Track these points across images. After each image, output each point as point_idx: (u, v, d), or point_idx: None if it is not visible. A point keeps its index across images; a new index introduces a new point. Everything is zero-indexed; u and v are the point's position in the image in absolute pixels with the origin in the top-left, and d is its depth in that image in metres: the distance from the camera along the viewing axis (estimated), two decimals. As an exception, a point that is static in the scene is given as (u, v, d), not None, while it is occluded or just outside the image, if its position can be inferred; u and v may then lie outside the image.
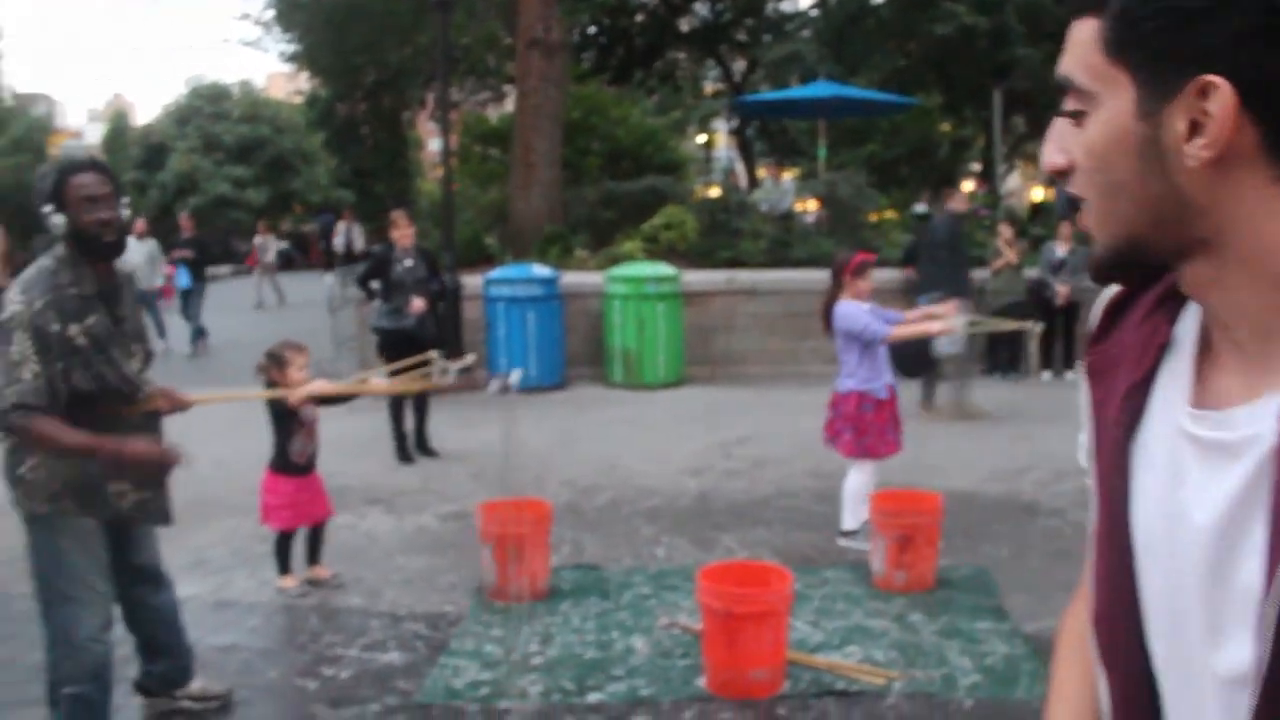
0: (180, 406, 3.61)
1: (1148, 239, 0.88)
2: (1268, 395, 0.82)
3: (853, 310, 5.60)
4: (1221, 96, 0.79)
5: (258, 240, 22.84)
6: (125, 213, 3.45)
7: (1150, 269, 0.92)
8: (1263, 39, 0.78)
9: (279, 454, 5.13)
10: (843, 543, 5.75)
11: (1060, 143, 0.93)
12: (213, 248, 14.48)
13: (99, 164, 3.47)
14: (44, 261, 3.30)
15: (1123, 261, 0.91)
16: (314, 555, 5.32)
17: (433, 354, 4.72)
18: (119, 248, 3.39)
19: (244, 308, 19.86)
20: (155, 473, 3.44)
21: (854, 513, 5.72)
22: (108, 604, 3.52)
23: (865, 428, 5.64)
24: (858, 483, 5.70)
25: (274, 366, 5.04)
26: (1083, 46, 0.89)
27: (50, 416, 3.17)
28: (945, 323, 5.76)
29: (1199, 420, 0.88)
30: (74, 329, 3.22)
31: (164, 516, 3.63)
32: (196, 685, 3.98)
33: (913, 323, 5.86)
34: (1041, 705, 3.46)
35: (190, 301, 14.62)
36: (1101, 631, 0.98)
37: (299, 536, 5.27)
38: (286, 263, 34.25)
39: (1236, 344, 0.87)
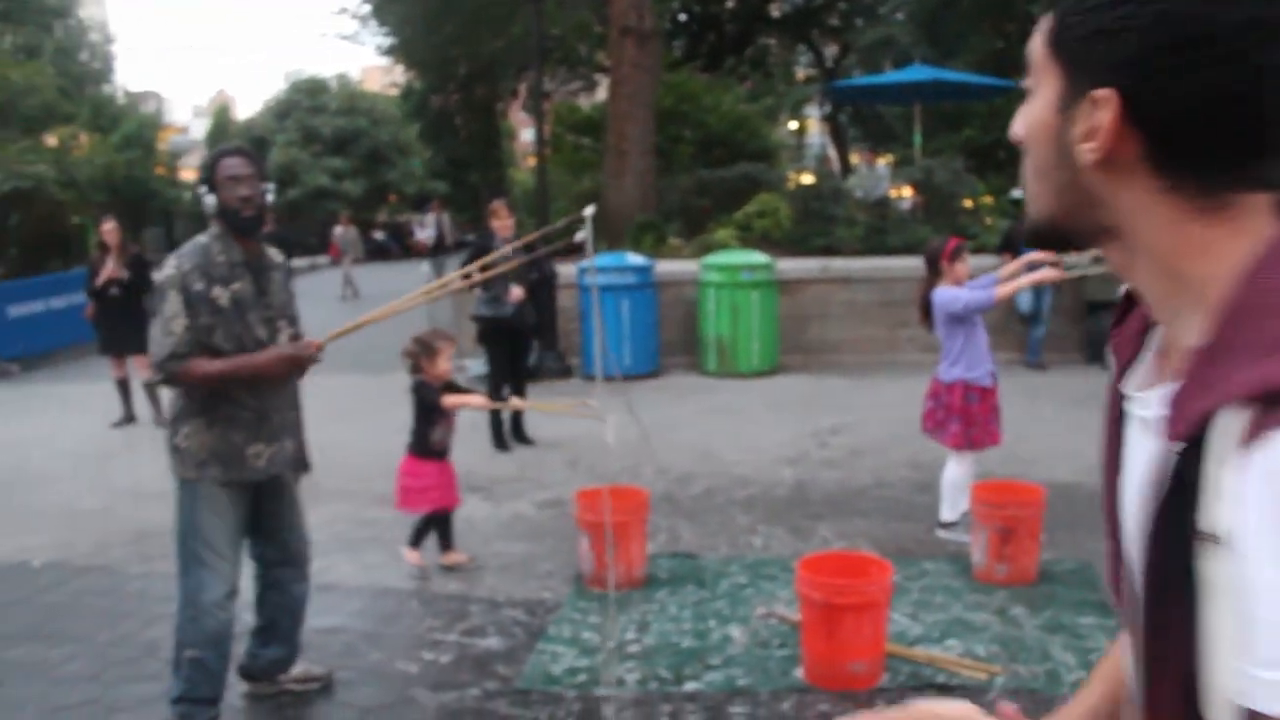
0: (309, 359, 3.73)
1: (1063, 221, 0.99)
2: (1171, 378, 0.92)
3: (950, 293, 5.50)
4: (1108, 109, 0.89)
5: (338, 231, 23.03)
6: (269, 195, 3.75)
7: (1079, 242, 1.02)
8: (1154, 65, 0.87)
9: (419, 440, 5.26)
10: (942, 534, 5.67)
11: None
12: (291, 240, 14.49)
13: (245, 150, 3.80)
14: (199, 237, 3.67)
15: (1045, 237, 1.02)
16: (447, 542, 5.43)
17: (592, 403, 4.58)
18: (258, 223, 3.69)
19: (328, 299, 20.02)
20: (296, 370, 3.69)
21: (953, 504, 5.63)
22: (235, 574, 3.73)
23: (972, 418, 5.55)
24: (957, 474, 5.62)
25: (423, 354, 5.15)
26: (1041, 33, 0.98)
27: (199, 358, 3.53)
28: (1042, 271, 5.50)
29: (1135, 401, 1.00)
30: (218, 290, 3.56)
31: (302, 464, 3.93)
32: (299, 669, 4.10)
33: (1010, 279, 5.59)
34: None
35: None
36: (1115, 592, 1.05)
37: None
38: (382, 252, 34.95)
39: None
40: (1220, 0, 0.86)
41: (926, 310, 5.69)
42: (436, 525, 5.39)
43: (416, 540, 5.36)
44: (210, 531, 3.65)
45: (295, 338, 3.81)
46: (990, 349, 5.73)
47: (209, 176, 3.63)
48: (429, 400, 5.14)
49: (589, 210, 4.09)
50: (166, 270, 3.57)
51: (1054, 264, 5.60)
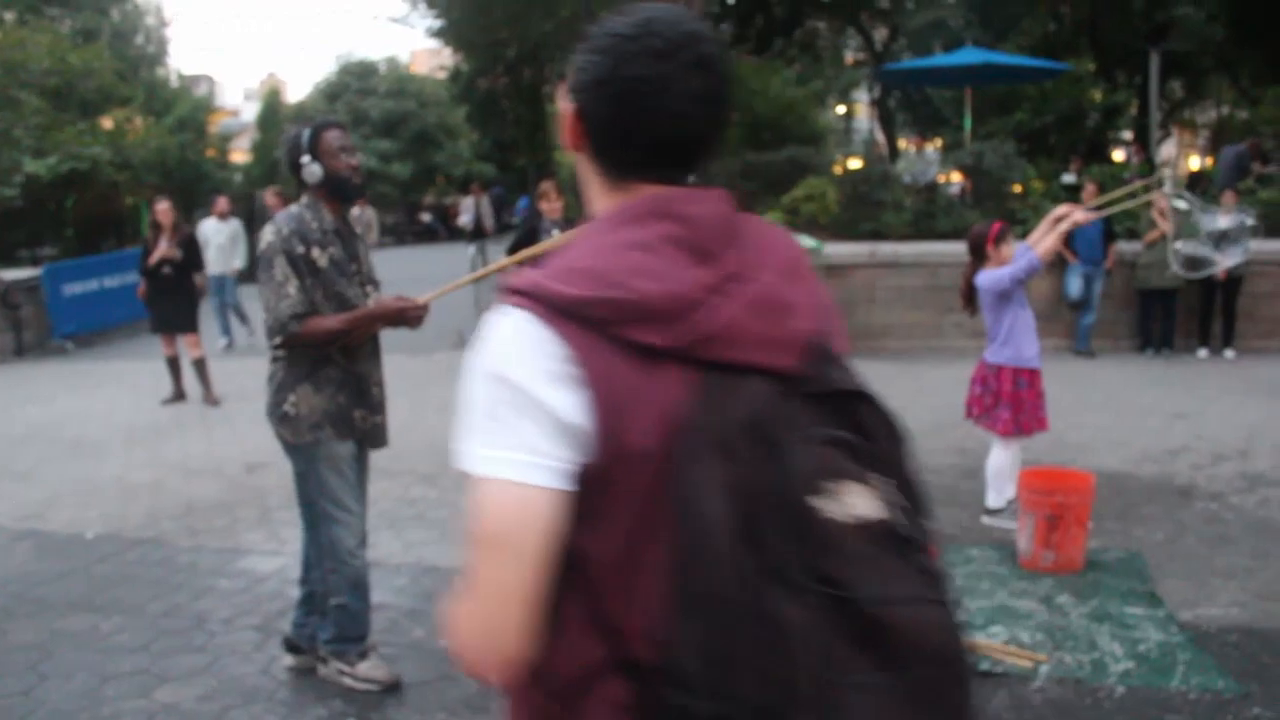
0: (414, 311, 3.82)
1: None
2: None
3: (994, 273, 5.43)
4: (569, 114, 1.34)
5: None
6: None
7: None
8: (585, 93, 1.31)
9: None
10: (988, 521, 5.61)
11: None
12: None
13: (341, 123, 3.91)
14: (293, 207, 3.80)
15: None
16: None
17: None
18: (362, 189, 3.90)
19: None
20: (409, 323, 3.79)
21: (999, 490, 5.57)
22: (362, 522, 3.91)
23: (1021, 404, 5.47)
24: (1003, 460, 5.56)
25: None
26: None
27: (315, 317, 3.67)
28: (1071, 215, 5.25)
29: None
30: (317, 252, 3.69)
31: (385, 439, 4.02)
32: (365, 665, 4.11)
33: (1041, 240, 5.34)
34: (1199, 697, 3.34)
35: (225, 296, 12.71)
36: None
37: None
38: (430, 234, 35.13)
39: None
40: (614, 59, 1.28)
41: (970, 296, 5.62)
42: None
43: None
44: (335, 489, 3.78)
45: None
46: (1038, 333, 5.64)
47: (312, 146, 3.72)
48: None
49: None
50: (267, 238, 3.68)
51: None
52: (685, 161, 1.31)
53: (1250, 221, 6.37)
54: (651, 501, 1.15)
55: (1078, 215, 5.27)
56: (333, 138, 3.74)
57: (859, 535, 1.14)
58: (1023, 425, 5.48)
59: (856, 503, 1.15)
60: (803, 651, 1.07)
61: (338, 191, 3.78)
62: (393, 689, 3.93)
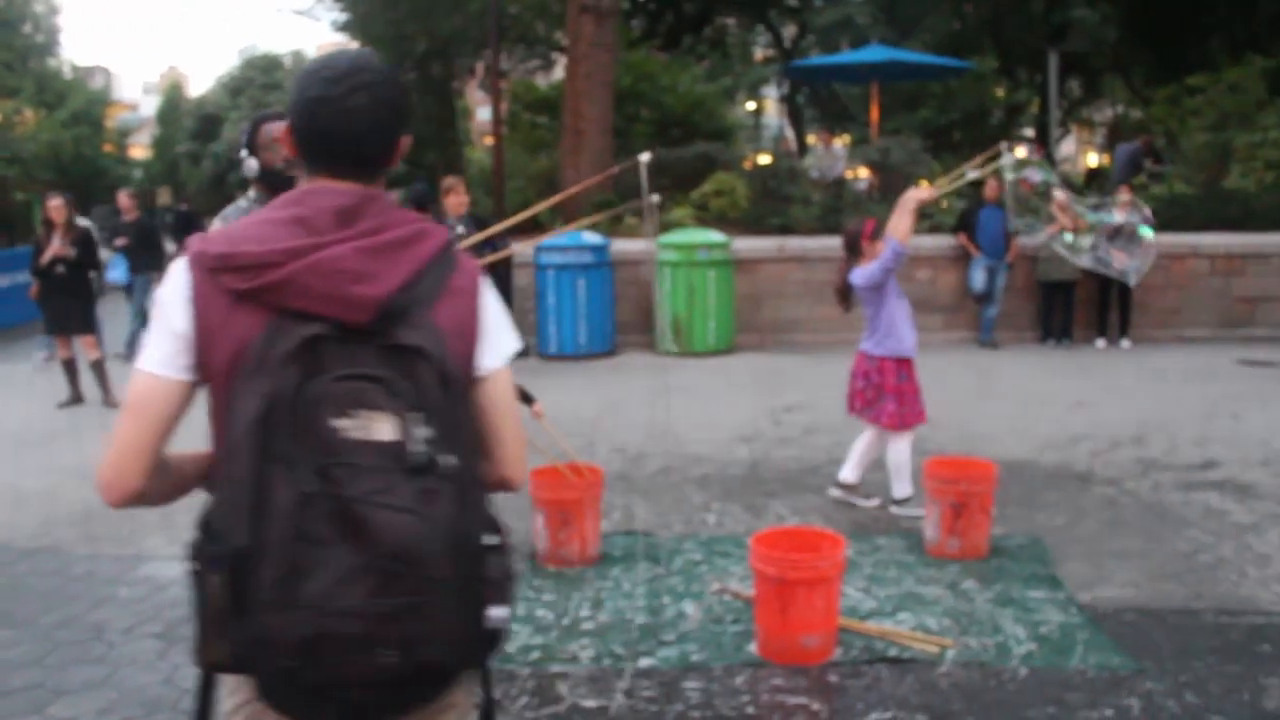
0: None
1: None
2: None
3: (865, 269, 5.55)
4: (284, 128, 1.77)
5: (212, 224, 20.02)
6: None
7: None
8: (292, 108, 1.74)
9: None
10: (897, 511, 5.71)
11: None
12: (156, 234, 12.66)
13: (281, 114, 3.76)
14: (239, 201, 3.78)
15: None
16: None
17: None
18: (294, 181, 3.68)
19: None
20: None
21: (904, 480, 5.67)
22: None
23: (903, 396, 5.60)
24: (904, 451, 5.66)
25: None
26: None
27: None
28: (918, 196, 5.36)
29: None
30: None
31: None
32: None
33: (897, 220, 5.36)
34: (1096, 675, 3.45)
35: (134, 298, 12.07)
36: None
37: None
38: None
39: None
40: (301, 85, 1.71)
41: (844, 293, 5.74)
42: None
43: None
44: None
45: None
46: (914, 322, 5.77)
47: (250, 141, 3.70)
48: None
49: (644, 157, 4.14)
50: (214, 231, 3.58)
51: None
52: (355, 162, 1.72)
53: (1147, 233, 6.43)
54: (223, 401, 1.60)
55: (923, 194, 5.42)
56: (267, 132, 3.67)
57: (368, 452, 1.50)
58: (905, 418, 5.61)
59: (374, 427, 1.51)
60: (281, 520, 1.46)
61: (276, 186, 3.64)
62: None
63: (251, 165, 3.70)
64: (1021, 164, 5.39)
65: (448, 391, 1.58)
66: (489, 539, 1.61)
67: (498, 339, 1.75)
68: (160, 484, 1.71)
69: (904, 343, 5.59)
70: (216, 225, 3.64)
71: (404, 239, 1.67)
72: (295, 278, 1.57)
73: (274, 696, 1.57)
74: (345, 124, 1.69)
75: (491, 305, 1.75)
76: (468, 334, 1.70)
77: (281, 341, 1.54)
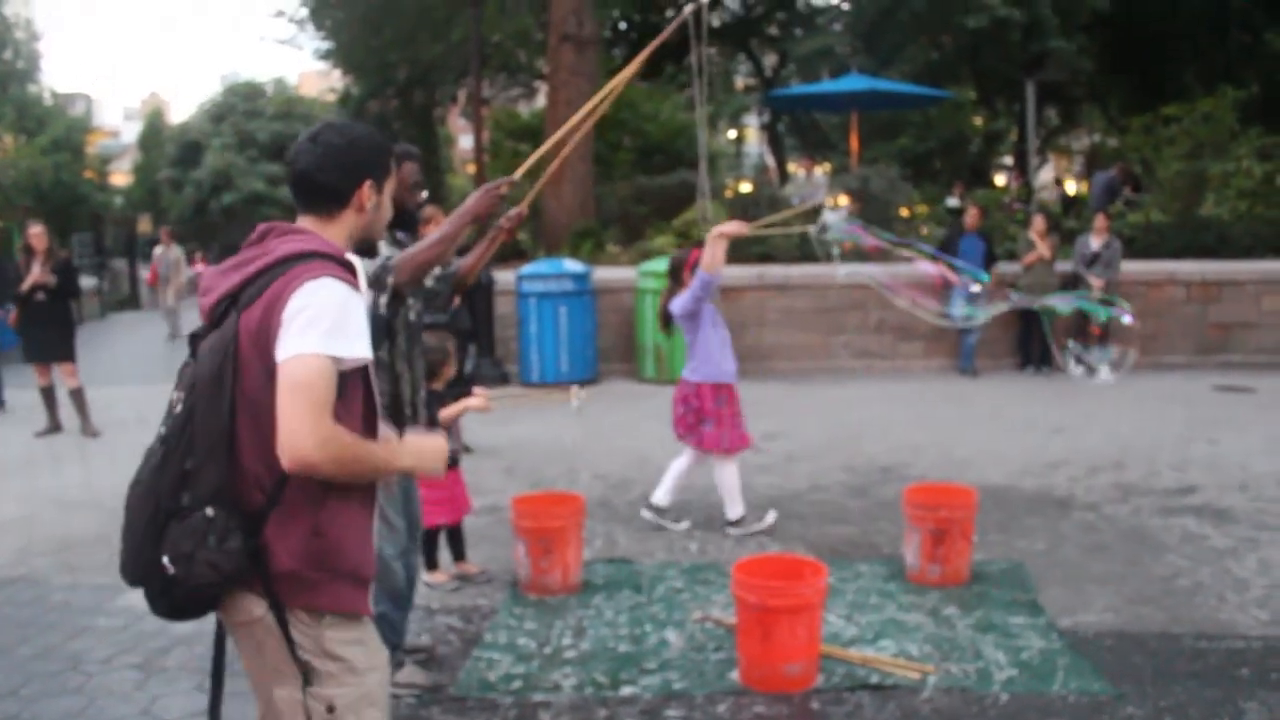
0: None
1: None
2: None
3: (681, 297, 5.70)
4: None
5: (157, 252, 17.44)
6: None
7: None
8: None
9: None
10: (732, 531, 5.85)
11: None
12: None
13: (419, 155, 3.97)
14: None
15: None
16: (460, 551, 5.30)
17: (574, 388, 4.91)
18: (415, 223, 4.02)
19: (154, 340, 17.29)
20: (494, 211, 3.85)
21: (735, 501, 5.85)
22: (403, 539, 3.95)
23: (723, 420, 5.75)
24: (729, 474, 5.84)
25: (444, 360, 4.89)
26: None
27: None
28: (726, 225, 5.57)
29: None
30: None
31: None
32: (404, 674, 4.07)
33: (708, 253, 5.53)
34: (1077, 700, 3.47)
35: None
36: None
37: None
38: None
39: None
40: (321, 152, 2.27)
41: (667, 319, 5.89)
42: (449, 536, 5.26)
43: (432, 560, 5.19)
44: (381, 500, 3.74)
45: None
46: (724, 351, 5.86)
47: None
48: (434, 413, 4.69)
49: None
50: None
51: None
52: (299, 200, 2.29)
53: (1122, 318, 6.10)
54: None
55: (729, 228, 5.58)
56: (410, 171, 3.83)
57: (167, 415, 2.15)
58: (730, 443, 5.77)
59: (172, 396, 2.16)
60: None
61: (398, 222, 3.80)
62: (435, 692, 4.00)
63: None
64: (830, 228, 5.50)
65: (204, 375, 2.09)
66: (180, 500, 2.07)
67: (291, 338, 2.04)
68: None
69: (720, 368, 5.76)
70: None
71: (247, 259, 2.17)
72: (200, 294, 2.25)
73: None
74: (289, 163, 2.29)
75: (296, 310, 2.05)
76: (267, 332, 2.06)
77: (195, 335, 2.22)
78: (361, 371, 2.19)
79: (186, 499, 2.08)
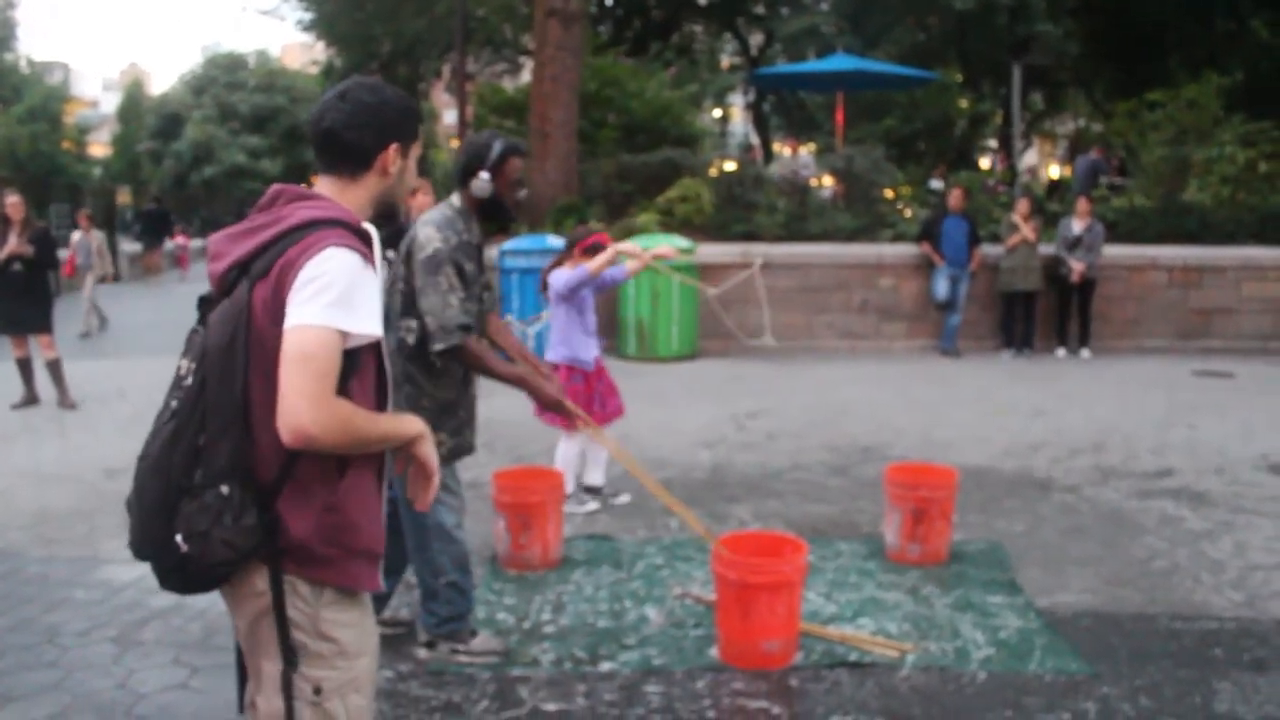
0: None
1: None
2: None
3: (562, 275, 5.77)
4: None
5: (75, 238, 15.65)
6: None
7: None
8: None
9: None
10: (567, 509, 5.85)
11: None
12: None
13: (525, 151, 3.98)
14: (445, 210, 3.83)
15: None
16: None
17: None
18: (514, 222, 4.02)
19: (135, 312, 17.01)
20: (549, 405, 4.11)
21: (571, 478, 5.88)
22: (464, 504, 4.03)
23: (575, 399, 5.73)
24: (569, 451, 5.92)
25: None
26: None
27: (479, 339, 3.81)
28: (630, 246, 5.82)
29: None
30: (467, 266, 3.76)
31: (471, 450, 4.09)
32: (479, 640, 4.12)
33: (599, 257, 5.73)
34: (1054, 679, 3.49)
35: None
36: None
37: None
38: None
39: None
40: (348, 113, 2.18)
41: (544, 284, 5.97)
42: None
43: None
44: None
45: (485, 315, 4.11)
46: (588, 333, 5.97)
47: (496, 165, 3.79)
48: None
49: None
50: (434, 244, 3.70)
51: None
52: (322, 159, 2.22)
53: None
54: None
55: (627, 247, 5.93)
56: (516, 166, 3.85)
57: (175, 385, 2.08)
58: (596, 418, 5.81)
59: (180, 365, 2.09)
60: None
61: (493, 215, 3.88)
62: (506, 656, 4.06)
63: (485, 188, 3.79)
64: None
65: (212, 337, 2.04)
66: (193, 476, 2.02)
67: (297, 308, 1.98)
68: None
69: (577, 354, 5.87)
70: (436, 239, 3.71)
71: (259, 225, 2.10)
72: (207, 258, 2.21)
73: None
74: (314, 121, 2.21)
75: (306, 280, 1.98)
76: (280, 302, 2.01)
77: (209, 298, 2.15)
78: (375, 346, 2.14)
79: (200, 476, 2.02)
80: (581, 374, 5.87)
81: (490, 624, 4.37)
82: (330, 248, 2.02)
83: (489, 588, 4.79)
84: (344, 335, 2.01)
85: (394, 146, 2.21)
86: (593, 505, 5.96)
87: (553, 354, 5.88)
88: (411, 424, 2.21)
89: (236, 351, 2.01)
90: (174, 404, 2.06)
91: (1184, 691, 3.75)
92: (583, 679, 3.90)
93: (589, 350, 5.90)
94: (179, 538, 2.01)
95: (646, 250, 5.96)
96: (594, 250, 5.81)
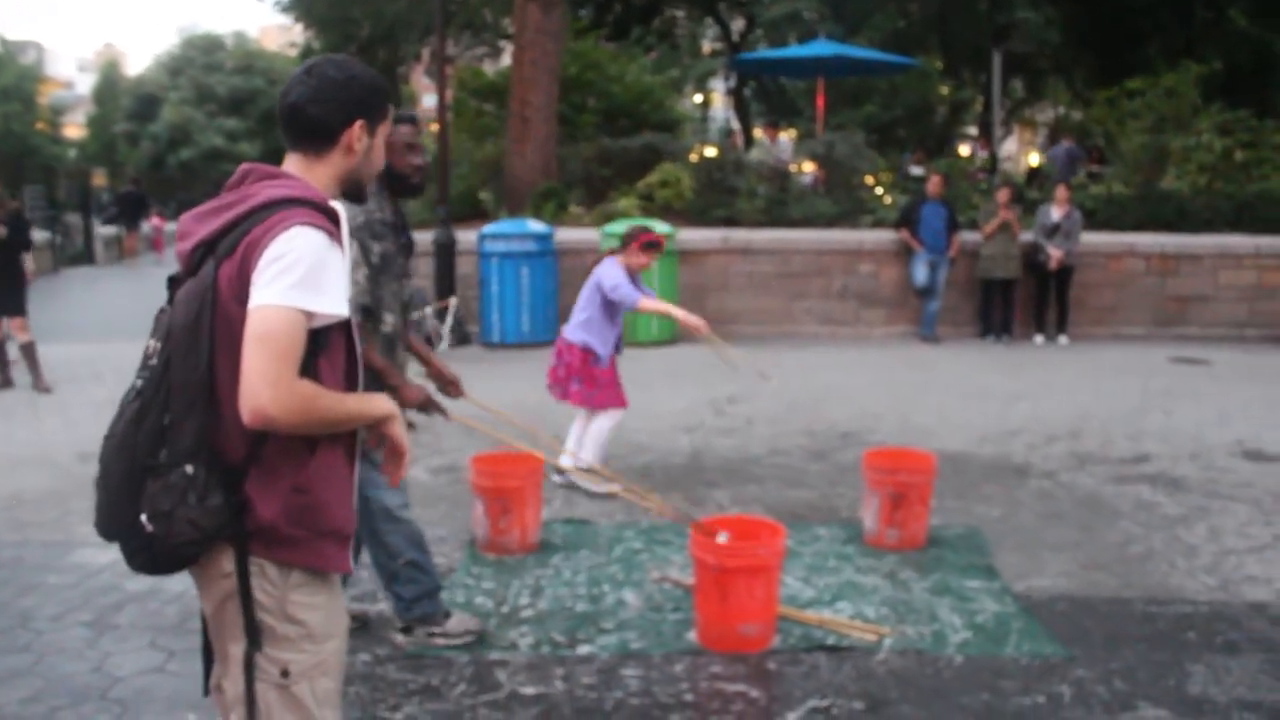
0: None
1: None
2: None
3: (616, 275, 5.81)
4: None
5: None
6: (427, 161, 3.98)
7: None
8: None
9: None
10: (558, 479, 5.97)
11: None
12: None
13: (415, 118, 3.93)
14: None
15: None
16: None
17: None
18: (420, 189, 3.98)
19: (111, 295, 16.96)
20: (421, 407, 3.99)
21: (597, 452, 5.92)
22: (406, 488, 3.99)
23: (591, 382, 5.89)
24: (604, 426, 5.97)
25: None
26: None
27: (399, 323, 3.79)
28: (694, 323, 5.81)
29: None
30: (375, 246, 3.70)
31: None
32: (454, 621, 4.11)
33: (655, 304, 5.96)
34: (1030, 662, 3.49)
35: None
36: None
37: None
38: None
39: None
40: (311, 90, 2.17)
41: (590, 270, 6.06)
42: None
43: None
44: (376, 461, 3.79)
45: (410, 297, 4.07)
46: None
47: None
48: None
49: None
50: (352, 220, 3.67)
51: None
52: (288, 135, 2.21)
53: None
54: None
55: (674, 312, 5.91)
56: (403, 133, 3.79)
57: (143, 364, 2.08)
58: (595, 400, 5.91)
59: (149, 344, 2.09)
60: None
61: (397, 187, 3.85)
62: (483, 636, 4.07)
63: None
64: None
65: (179, 320, 2.02)
66: (158, 456, 2.00)
67: (261, 288, 1.96)
68: None
69: (599, 345, 5.89)
70: (340, 208, 3.65)
71: (226, 204, 2.09)
72: (176, 237, 2.17)
73: None
74: (281, 96, 2.20)
75: (271, 259, 1.96)
76: (245, 281, 1.99)
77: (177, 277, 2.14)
78: (344, 326, 2.12)
79: (165, 455, 2.01)
80: (596, 359, 5.91)
81: (469, 608, 4.36)
82: (296, 226, 2.00)
83: (467, 572, 4.78)
84: (309, 315, 1.99)
85: (360, 123, 2.19)
86: (615, 486, 5.82)
87: (573, 335, 5.93)
88: (381, 404, 2.18)
89: (201, 330, 1.99)
90: (139, 383, 2.05)
91: (1158, 674, 3.78)
92: (561, 662, 3.89)
93: (606, 345, 5.92)
94: (144, 517, 2.00)
95: (691, 319, 5.88)
96: (651, 247, 5.88)
